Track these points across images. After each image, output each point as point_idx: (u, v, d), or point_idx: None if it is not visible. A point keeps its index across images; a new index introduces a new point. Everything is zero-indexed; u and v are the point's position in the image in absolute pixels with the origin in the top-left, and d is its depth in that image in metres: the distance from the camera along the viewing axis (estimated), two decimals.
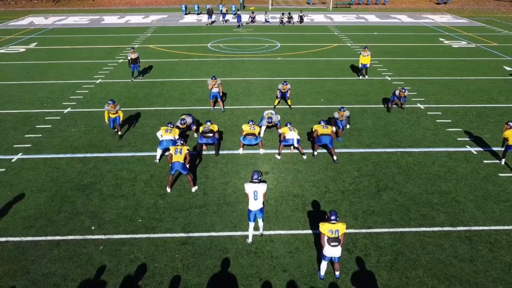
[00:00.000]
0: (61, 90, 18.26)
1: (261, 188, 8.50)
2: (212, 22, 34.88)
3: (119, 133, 13.61)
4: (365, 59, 19.12)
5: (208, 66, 22.03)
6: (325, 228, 7.49)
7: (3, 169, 11.68)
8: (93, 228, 9.27)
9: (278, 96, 15.65)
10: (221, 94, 15.60)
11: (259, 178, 8.64)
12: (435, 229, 9.24)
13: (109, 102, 13.04)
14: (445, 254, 8.50)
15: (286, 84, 15.43)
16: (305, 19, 36.23)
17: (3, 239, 8.92)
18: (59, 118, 15.20)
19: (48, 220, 9.54)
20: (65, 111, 15.93)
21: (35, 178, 11.23)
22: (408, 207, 10.01)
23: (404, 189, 10.74)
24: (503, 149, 11.78)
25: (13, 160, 12.19)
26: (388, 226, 9.35)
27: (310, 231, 9.17)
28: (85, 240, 8.90)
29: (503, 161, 11.92)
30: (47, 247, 8.67)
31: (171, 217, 9.63)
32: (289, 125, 12.45)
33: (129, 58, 18.89)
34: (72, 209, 9.92)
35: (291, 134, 12.07)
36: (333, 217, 7.50)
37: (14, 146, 13.03)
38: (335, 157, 12.04)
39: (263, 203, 8.69)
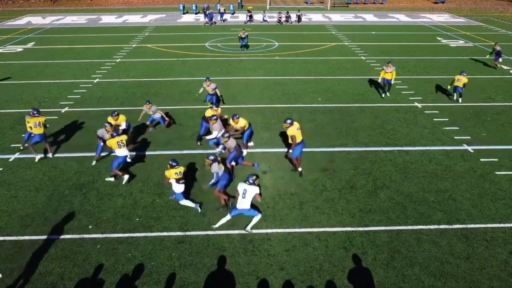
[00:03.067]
0: (58, 90, 18.25)
1: (251, 189, 8.73)
2: (210, 20, 34.86)
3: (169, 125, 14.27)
4: (388, 75, 17.01)
5: (206, 66, 22.04)
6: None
7: (1, 169, 11.67)
8: (90, 227, 9.28)
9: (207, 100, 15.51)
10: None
11: (253, 181, 8.82)
12: (432, 227, 9.27)
13: (145, 103, 13.53)
14: (441, 251, 8.53)
15: (208, 81, 15.02)
16: (303, 18, 36.26)
17: (1, 238, 8.92)
18: (56, 117, 15.19)
19: (45, 219, 9.54)
20: (63, 110, 15.92)
21: (32, 178, 11.23)
22: (405, 205, 10.04)
23: (401, 188, 10.78)
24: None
25: (10, 160, 12.18)
26: (385, 224, 9.38)
27: (307, 229, 9.19)
28: (82, 239, 8.91)
29: None
30: (44, 246, 8.67)
31: (168, 216, 9.64)
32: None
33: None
34: (69, 208, 9.93)
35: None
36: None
37: (12, 145, 13.03)
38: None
39: (254, 206, 9.06)
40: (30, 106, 16.26)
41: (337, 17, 38.08)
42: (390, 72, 16.82)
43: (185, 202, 9.74)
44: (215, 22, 34.53)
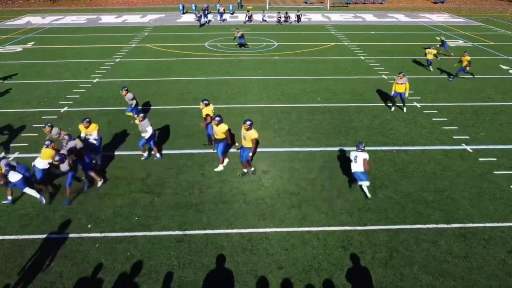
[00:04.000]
0: (58, 90, 18.26)
1: (361, 155, 10.06)
2: (209, 21, 34.90)
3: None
4: (400, 87, 15.25)
5: (205, 65, 22.06)
6: None
7: None
8: (89, 226, 9.29)
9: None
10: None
11: (362, 148, 10.14)
12: (430, 226, 9.29)
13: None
14: (439, 251, 8.55)
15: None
16: (302, 18, 36.28)
17: (0, 237, 8.93)
18: (55, 117, 15.20)
19: (45, 218, 9.56)
20: (62, 110, 15.93)
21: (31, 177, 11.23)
22: (404, 205, 10.06)
23: (399, 187, 10.79)
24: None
25: (10, 159, 12.17)
26: (384, 223, 9.40)
27: (306, 228, 9.21)
28: (81, 238, 8.93)
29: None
30: (44, 245, 8.69)
31: (167, 215, 9.66)
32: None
33: None
34: (69, 208, 9.94)
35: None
36: None
37: (11, 145, 13.03)
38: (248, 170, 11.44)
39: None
40: (29, 106, 16.27)
41: (337, 17, 38.11)
42: (402, 83, 15.14)
43: (28, 191, 9.89)
44: (208, 21, 34.70)
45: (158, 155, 12.13)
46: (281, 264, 8.22)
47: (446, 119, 14.98)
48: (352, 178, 10.69)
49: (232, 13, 39.65)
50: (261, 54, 24.37)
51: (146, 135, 11.57)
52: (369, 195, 10.34)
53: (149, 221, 9.46)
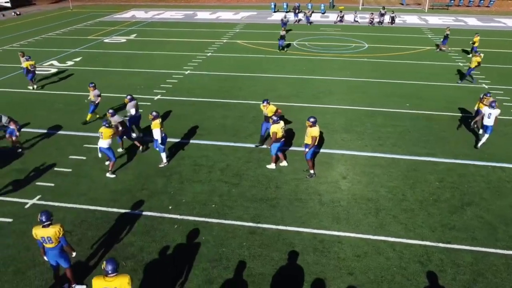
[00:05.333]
0: (153, 79, 19.62)
1: (494, 112, 12.11)
2: (299, 20, 34.88)
3: None
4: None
5: (291, 63, 22.13)
6: None
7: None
8: (170, 207, 9.87)
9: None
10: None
11: (495, 105, 12.16)
12: None
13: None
14: None
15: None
16: (396, 20, 34.64)
17: (93, 207, 9.87)
18: (149, 104, 16.35)
19: (132, 196, 10.35)
20: (155, 98, 17.09)
21: (124, 157, 12.23)
22: (495, 226, 9.15)
23: (492, 206, 9.84)
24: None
25: None
26: (470, 243, 8.64)
27: (381, 237, 8.82)
28: (162, 217, 9.51)
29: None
30: (129, 220, 9.42)
31: (243, 206, 9.89)
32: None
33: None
34: (154, 188, 10.65)
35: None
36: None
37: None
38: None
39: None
40: (127, 92, 17.67)
41: (435, 20, 35.75)
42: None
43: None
44: (298, 20, 34.57)
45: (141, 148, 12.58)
46: (352, 270, 7.98)
47: None
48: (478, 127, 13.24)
49: (323, 13, 39.20)
50: (349, 55, 23.79)
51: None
52: (479, 145, 12.55)
53: (225, 210, 9.77)
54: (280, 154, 11.54)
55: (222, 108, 15.96)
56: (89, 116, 14.61)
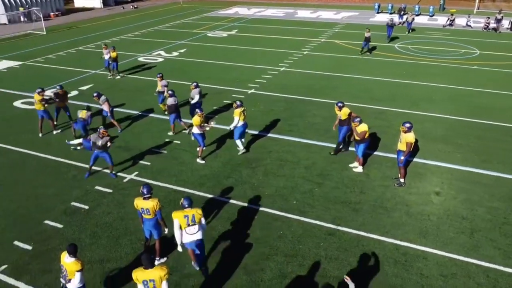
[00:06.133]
0: (250, 73, 20.19)
1: None
2: (403, 23, 33.12)
3: None
4: None
5: (390, 66, 21.13)
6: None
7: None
8: (252, 198, 10.08)
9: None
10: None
11: None
12: None
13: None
14: None
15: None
16: None
17: (182, 189, 10.49)
18: (243, 96, 16.85)
19: (218, 182, 10.79)
20: (249, 91, 17.57)
21: (214, 144, 12.79)
22: None
23: None
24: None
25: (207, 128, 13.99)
26: None
27: (474, 261, 8.03)
28: (243, 206, 9.74)
29: None
30: (213, 204, 9.82)
31: (324, 207, 9.74)
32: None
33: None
34: (239, 178, 10.98)
35: None
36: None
37: (207, 114, 14.96)
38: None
39: None
40: (225, 84, 18.46)
41: None
42: None
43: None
44: (402, 23, 32.61)
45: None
46: None
47: None
48: None
49: (431, 16, 36.74)
50: (456, 61, 21.98)
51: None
52: None
53: (306, 208, 9.70)
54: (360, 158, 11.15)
55: (313, 106, 15.84)
56: (162, 106, 14.91)
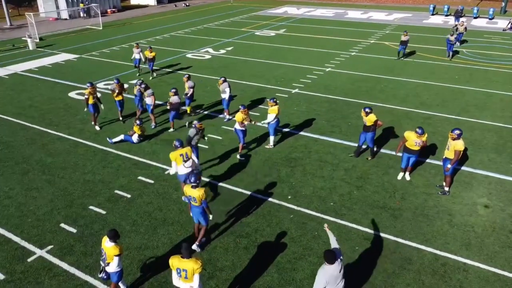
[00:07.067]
0: (294, 73, 20.12)
1: None
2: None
3: None
4: None
5: (442, 71, 20.27)
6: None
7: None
8: (289, 197, 10.08)
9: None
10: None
11: None
12: None
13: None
14: None
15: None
16: None
17: (221, 184, 10.68)
18: (286, 96, 16.86)
19: (256, 179, 10.87)
20: (293, 91, 17.53)
21: (255, 142, 12.89)
22: None
23: None
24: None
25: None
26: None
27: None
28: (280, 205, 9.79)
29: None
30: (250, 201, 9.93)
31: (362, 211, 9.55)
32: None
33: None
34: (277, 176, 11.01)
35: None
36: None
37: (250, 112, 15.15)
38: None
39: None
40: (268, 82, 18.54)
41: None
42: None
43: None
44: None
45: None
46: None
47: None
48: None
49: (491, 19, 34.80)
50: None
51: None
52: None
53: (343, 210, 9.57)
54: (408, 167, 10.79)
55: (357, 108, 15.52)
56: (188, 109, 14.83)
